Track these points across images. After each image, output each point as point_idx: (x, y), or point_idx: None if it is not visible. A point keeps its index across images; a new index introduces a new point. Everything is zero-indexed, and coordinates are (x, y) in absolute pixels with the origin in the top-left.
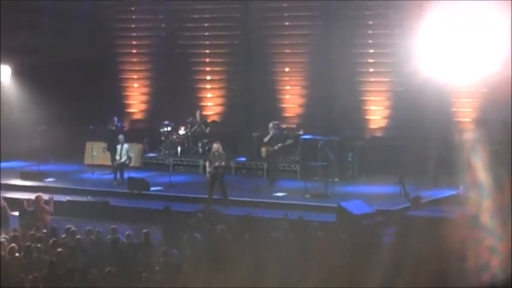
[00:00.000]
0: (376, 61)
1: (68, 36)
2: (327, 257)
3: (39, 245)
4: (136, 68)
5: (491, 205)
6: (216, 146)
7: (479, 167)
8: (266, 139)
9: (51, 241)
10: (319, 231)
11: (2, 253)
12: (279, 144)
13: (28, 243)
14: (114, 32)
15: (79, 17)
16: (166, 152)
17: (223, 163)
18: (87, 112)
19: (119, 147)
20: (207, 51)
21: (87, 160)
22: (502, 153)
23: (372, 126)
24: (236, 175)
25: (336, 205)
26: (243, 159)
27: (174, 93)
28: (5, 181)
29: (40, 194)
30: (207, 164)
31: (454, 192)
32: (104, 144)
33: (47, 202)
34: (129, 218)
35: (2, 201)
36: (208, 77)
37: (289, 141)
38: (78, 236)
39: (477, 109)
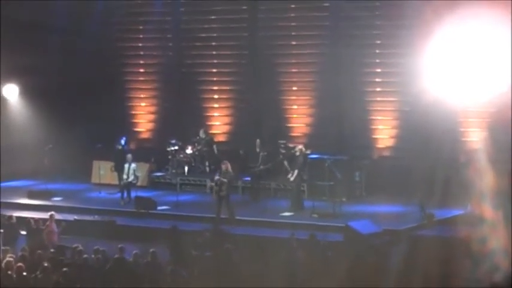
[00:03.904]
0: (383, 80)
1: (76, 55)
2: (335, 276)
3: (46, 264)
4: (144, 87)
5: (500, 224)
6: (224, 165)
7: (487, 187)
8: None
9: (57, 260)
10: (327, 250)
11: (10, 272)
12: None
13: (36, 263)
14: (121, 51)
15: (86, 36)
16: (174, 171)
17: (225, 180)
18: (94, 131)
19: (126, 166)
20: (215, 70)
21: (95, 179)
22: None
23: (380, 145)
24: (243, 194)
25: (343, 225)
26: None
27: (181, 113)
28: (12, 200)
29: (53, 212)
30: (214, 183)
31: (461, 212)
32: (111, 164)
33: (56, 222)
34: (136, 237)
35: (14, 219)
36: (215, 96)
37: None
38: (85, 255)
39: (485, 129)
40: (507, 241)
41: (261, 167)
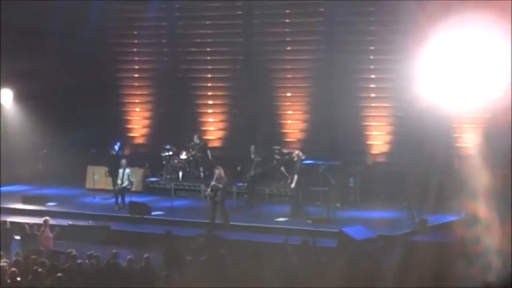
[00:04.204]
0: (377, 86)
1: (70, 60)
2: (329, 281)
3: (40, 270)
4: (139, 92)
5: (494, 226)
6: (217, 171)
7: (481, 191)
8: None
9: (51, 265)
10: (321, 256)
11: (4, 277)
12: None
13: (30, 268)
14: (116, 56)
15: (81, 40)
16: (168, 176)
17: (220, 185)
18: (89, 136)
19: (120, 171)
20: (209, 75)
21: (89, 184)
22: (506, 178)
23: (374, 151)
24: (237, 200)
25: (337, 230)
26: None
27: (175, 118)
28: (6, 205)
29: (47, 217)
30: (209, 189)
31: (455, 218)
32: (105, 169)
33: (50, 227)
34: (130, 242)
35: (8, 224)
36: (210, 102)
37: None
38: (79, 261)
39: (479, 134)
40: (501, 242)
41: (252, 172)
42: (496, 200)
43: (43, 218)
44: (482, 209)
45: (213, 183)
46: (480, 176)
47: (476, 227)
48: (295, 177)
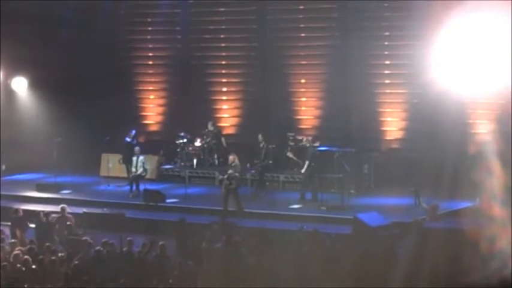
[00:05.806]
0: (392, 72)
1: (84, 47)
2: (343, 268)
3: (54, 257)
4: (153, 80)
5: (509, 220)
6: (232, 157)
7: (496, 179)
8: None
9: (66, 253)
10: (335, 243)
11: (18, 265)
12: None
13: (44, 255)
14: (130, 43)
15: (95, 28)
16: (182, 163)
17: (237, 174)
18: (103, 124)
19: (134, 159)
20: (223, 62)
21: (103, 172)
22: None
23: (388, 138)
24: (252, 187)
25: (352, 217)
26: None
27: (190, 105)
28: (20, 193)
29: (64, 205)
30: (225, 177)
31: (470, 204)
32: (120, 156)
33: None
34: (144, 230)
35: (21, 212)
36: (224, 89)
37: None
38: (93, 248)
39: (494, 120)
40: None
41: (270, 161)
42: (509, 191)
43: (60, 206)
44: (496, 201)
45: (230, 171)
46: (493, 164)
47: (490, 222)
48: (306, 163)
